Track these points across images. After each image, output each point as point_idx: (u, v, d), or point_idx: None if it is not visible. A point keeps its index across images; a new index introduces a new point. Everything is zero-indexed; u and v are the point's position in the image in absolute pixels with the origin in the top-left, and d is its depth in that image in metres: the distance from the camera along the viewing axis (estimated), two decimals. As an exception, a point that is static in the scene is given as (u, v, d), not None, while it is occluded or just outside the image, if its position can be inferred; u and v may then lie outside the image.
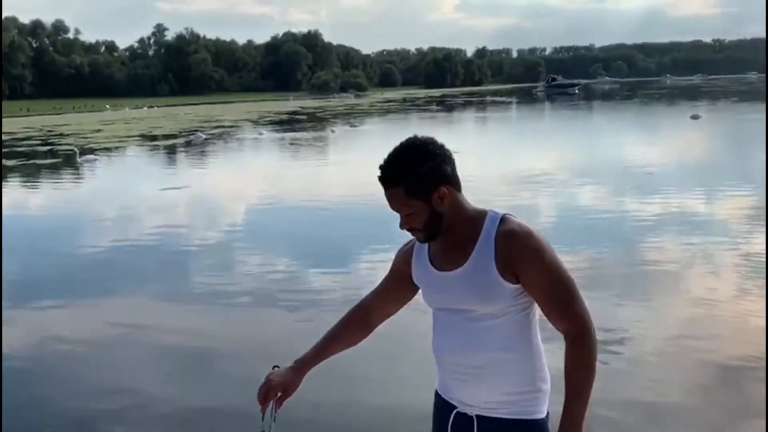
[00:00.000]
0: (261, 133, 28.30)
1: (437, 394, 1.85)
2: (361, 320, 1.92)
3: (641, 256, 6.89)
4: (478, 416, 1.72)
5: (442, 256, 1.73)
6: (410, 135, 1.70)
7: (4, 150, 25.12)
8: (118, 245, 8.78)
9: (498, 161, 16.22)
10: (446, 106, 52.25)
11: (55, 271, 7.69)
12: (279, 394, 1.79)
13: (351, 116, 41.26)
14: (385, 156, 1.68)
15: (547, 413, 1.74)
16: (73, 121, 48.11)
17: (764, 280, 5.59)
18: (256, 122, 38.20)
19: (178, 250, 8.50)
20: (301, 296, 6.03)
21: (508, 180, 12.56)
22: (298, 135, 28.33)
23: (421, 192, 1.63)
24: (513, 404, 1.70)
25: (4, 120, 52.49)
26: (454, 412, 1.77)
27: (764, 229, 7.37)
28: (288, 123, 37.59)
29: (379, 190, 1.70)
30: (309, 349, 1.88)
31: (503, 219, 1.68)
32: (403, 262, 1.84)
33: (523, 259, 1.63)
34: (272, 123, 37.73)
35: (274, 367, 1.84)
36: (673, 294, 5.69)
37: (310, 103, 66.79)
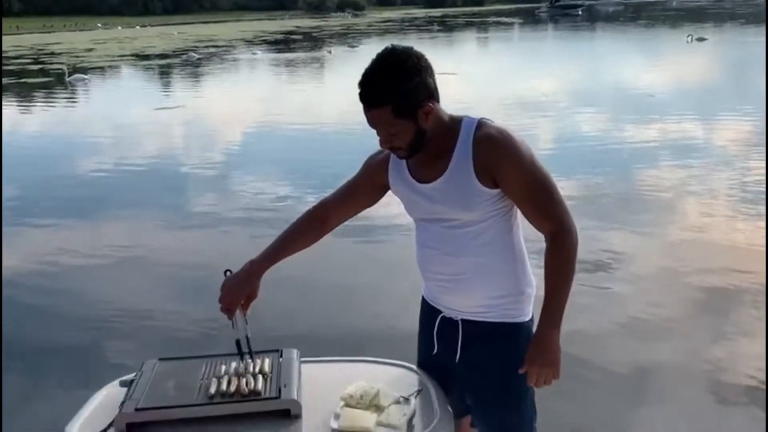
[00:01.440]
0: (255, 53, 27.60)
1: (424, 300, 1.88)
2: (320, 221, 1.87)
3: (638, 181, 6.85)
4: (463, 320, 1.75)
5: (422, 168, 1.70)
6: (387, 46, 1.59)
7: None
8: (109, 166, 8.73)
9: (498, 84, 15.89)
10: (447, 26, 50.80)
11: (49, 192, 7.65)
12: (242, 300, 1.78)
13: (348, 36, 40.19)
14: (365, 71, 1.58)
15: (532, 316, 1.75)
16: (64, 39, 46.87)
17: (764, 208, 5.58)
18: (250, 42, 37.25)
19: (171, 171, 8.47)
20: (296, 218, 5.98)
21: (508, 104, 12.35)
22: (293, 55, 27.66)
23: (408, 110, 1.56)
24: (496, 308, 1.71)
25: (-8, 38, 51.02)
26: (440, 316, 1.79)
27: (764, 155, 7.30)
28: (284, 43, 36.67)
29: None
30: (264, 250, 1.84)
31: (480, 124, 1.64)
32: (377, 170, 1.80)
33: (501, 163, 1.60)
34: (267, 43, 36.81)
35: (226, 271, 1.80)
36: (669, 219, 5.67)
37: (306, 22, 65.01)
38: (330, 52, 28.02)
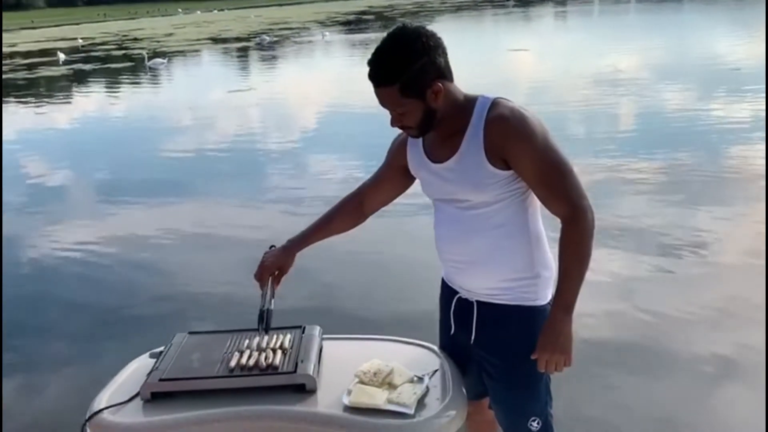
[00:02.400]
0: (324, 35, 27.79)
1: (443, 281, 1.89)
2: (355, 208, 1.93)
3: (724, 161, 6.47)
4: (478, 302, 1.74)
5: (436, 148, 1.69)
6: (415, 27, 1.57)
7: (81, 54, 25.92)
8: (184, 148, 9.06)
9: (573, 60, 15.31)
10: (523, 1, 49.47)
11: (130, 173, 8.04)
12: (276, 272, 1.85)
13: (420, 15, 39.84)
14: (375, 51, 1.58)
15: (550, 300, 1.72)
16: (146, 25, 48.82)
17: None
18: (322, 23, 37.55)
19: (244, 152, 8.64)
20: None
21: (587, 81, 11.87)
22: (362, 36, 27.67)
23: (416, 90, 1.56)
24: (511, 290, 1.70)
25: (83, 25, 53.75)
26: (456, 297, 1.80)
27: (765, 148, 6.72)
28: (355, 23, 36.78)
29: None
30: (301, 231, 1.91)
31: (493, 104, 1.61)
32: (398, 152, 1.82)
33: (513, 144, 1.57)
34: (339, 24, 37.01)
35: (271, 247, 1.90)
36: (755, 203, 5.33)
37: (378, 2, 64.69)
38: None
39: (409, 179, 1.85)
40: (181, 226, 5.78)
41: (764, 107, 8.42)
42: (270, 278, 1.84)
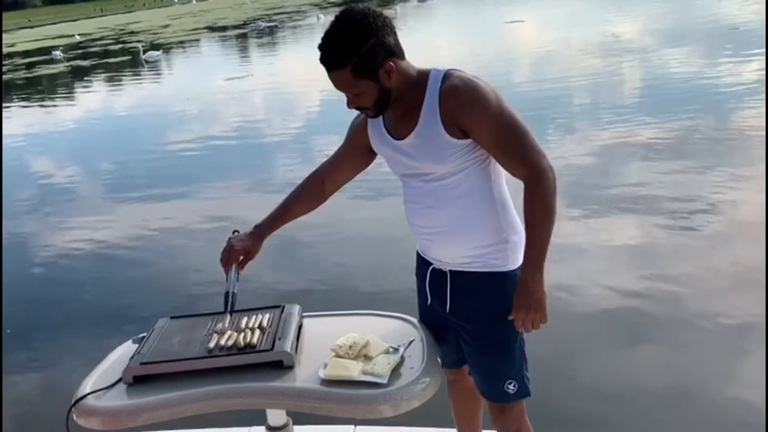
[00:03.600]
0: (319, 17, 27.65)
1: (417, 254, 1.91)
2: (316, 188, 1.95)
3: (727, 123, 6.43)
4: (451, 271, 1.77)
5: (395, 125, 1.71)
6: (355, 8, 1.57)
7: (79, 50, 25.92)
8: (182, 138, 9.10)
9: (575, 30, 15.13)
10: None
11: (127, 167, 8.10)
12: (241, 257, 1.88)
13: (417, -9, 39.47)
14: (324, 35, 1.59)
15: (521, 265, 1.71)
16: (143, 18, 48.68)
17: None
18: (318, 5, 37.31)
19: (246, 141, 8.67)
20: (374, 185, 6.01)
21: (586, 50, 11.76)
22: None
23: (368, 70, 1.57)
24: (481, 257, 1.72)
25: (80, 21, 53.64)
26: (430, 268, 1.83)
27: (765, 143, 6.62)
28: (350, 3, 36.44)
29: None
30: (266, 216, 1.94)
31: (446, 75, 1.62)
32: (358, 131, 1.84)
33: (468, 113, 1.58)
34: (334, 5, 36.69)
35: (234, 231, 1.92)
36: (760, 165, 5.28)
37: (375, -20, 64.24)
38: (395, 10, 27.63)
39: (369, 157, 1.87)
40: (185, 218, 5.84)
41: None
42: (234, 263, 1.87)
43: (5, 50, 33.09)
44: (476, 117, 1.57)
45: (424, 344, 1.79)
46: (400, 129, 1.69)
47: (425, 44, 14.84)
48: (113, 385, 1.73)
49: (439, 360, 1.75)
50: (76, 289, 4.73)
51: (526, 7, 22.13)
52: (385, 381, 1.62)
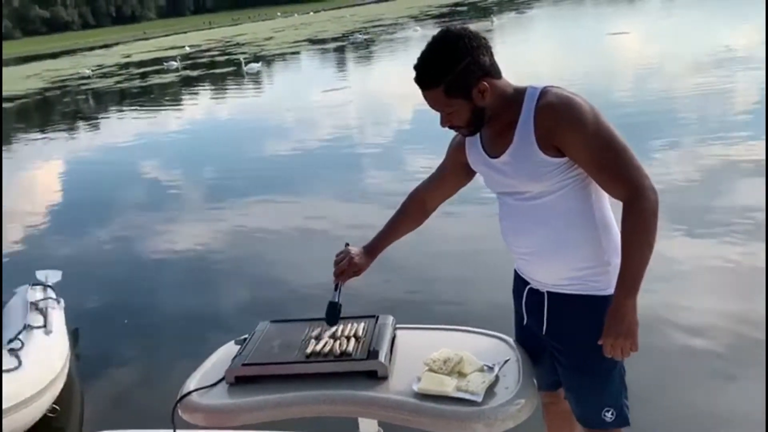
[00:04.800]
0: (416, 30, 27.86)
1: (515, 272, 1.90)
2: (418, 208, 1.99)
3: None
4: (548, 292, 1.74)
5: (491, 143, 1.71)
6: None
7: (189, 61, 27.38)
8: (283, 147, 9.40)
9: (684, 42, 14.38)
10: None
11: (228, 173, 8.47)
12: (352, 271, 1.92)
13: (516, 2, 39.05)
14: (419, 55, 1.61)
15: None
16: (248, 30, 50.89)
17: None
18: (415, 18, 37.64)
19: (341, 150, 8.83)
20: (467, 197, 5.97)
21: (698, 62, 11.14)
22: (457, 28, 27.42)
23: (461, 90, 1.58)
24: (580, 280, 1.68)
25: (190, 33, 56.77)
26: (527, 288, 1.80)
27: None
28: (448, 15, 36.59)
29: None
30: (376, 235, 2.00)
31: (542, 93, 1.60)
32: (457, 150, 1.86)
33: (562, 130, 1.55)
34: (432, 17, 36.95)
35: (346, 244, 1.97)
36: None
37: (473, -8, 64.12)
38: (493, 20, 27.42)
39: (469, 174, 1.88)
40: (282, 222, 6.03)
41: None
42: (348, 276, 1.92)
43: (123, 60, 35.51)
44: (571, 134, 1.54)
45: (519, 365, 1.76)
46: (495, 147, 1.68)
47: (521, 57, 14.64)
48: (216, 384, 1.81)
49: (535, 382, 1.72)
50: (176, 287, 4.99)
51: (631, 18, 21.39)
52: (479, 399, 1.61)
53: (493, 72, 1.61)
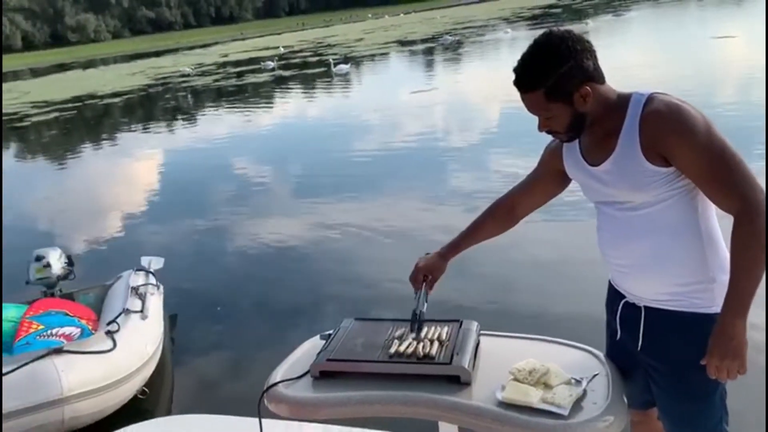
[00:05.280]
0: (506, 32, 27.47)
1: (609, 284, 1.83)
2: (507, 212, 1.94)
3: None
4: (646, 307, 1.67)
5: (591, 150, 1.65)
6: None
7: (282, 62, 28.17)
8: (370, 147, 9.52)
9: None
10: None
11: (316, 171, 8.65)
12: (429, 277, 1.92)
13: (612, 5, 37.77)
14: (521, 57, 1.58)
15: None
16: (340, 31, 51.79)
17: None
18: (507, 20, 37.13)
19: (427, 152, 8.84)
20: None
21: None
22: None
23: (562, 94, 1.53)
24: (683, 296, 1.60)
25: (284, 34, 58.43)
26: (623, 301, 1.74)
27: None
28: (541, 18, 35.85)
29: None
30: (455, 237, 1.97)
31: (649, 99, 1.53)
32: (552, 156, 1.80)
33: (669, 139, 1.47)
34: (524, 19, 36.33)
35: (426, 254, 1.98)
36: None
37: (568, -6, 62.55)
38: (588, 23, 26.63)
39: (562, 183, 1.82)
40: (365, 221, 6.11)
41: None
42: (424, 282, 1.92)
43: (220, 59, 36.98)
44: (679, 143, 1.46)
45: (609, 380, 1.69)
46: (596, 154, 1.62)
47: (616, 63, 14.15)
48: (301, 376, 1.85)
49: (625, 400, 1.65)
50: (262, 280, 5.15)
51: (738, 21, 20.24)
52: (565, 413, 1.56)
53: (597, 77, 1.55)
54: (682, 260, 1.57)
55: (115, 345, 3.27)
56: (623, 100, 1.56)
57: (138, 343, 3.46)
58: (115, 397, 3.22)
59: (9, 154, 14.65)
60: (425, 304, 1.90)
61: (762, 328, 3.22)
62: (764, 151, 5.55)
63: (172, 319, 4.45)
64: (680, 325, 1.61)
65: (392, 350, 1.83)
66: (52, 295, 4.15)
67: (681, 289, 1.59)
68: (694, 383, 1.59)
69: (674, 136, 1.47)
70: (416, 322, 1.87)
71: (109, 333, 3.35)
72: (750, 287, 1.46)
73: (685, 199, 1.55)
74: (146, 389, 3.44)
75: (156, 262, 4.53)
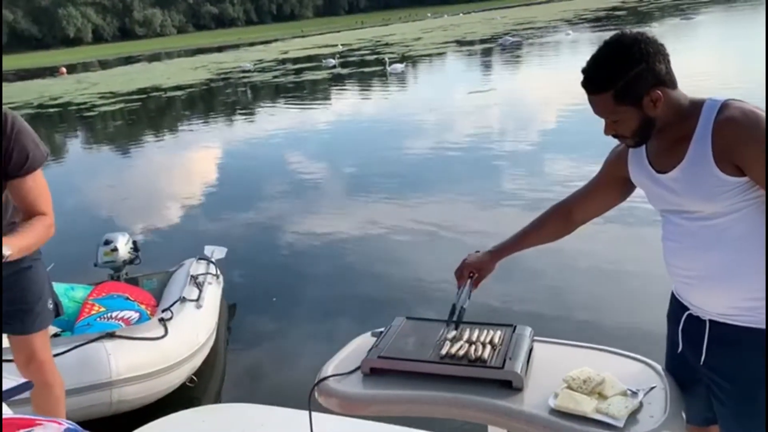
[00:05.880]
0: (567, 33, 26.95)
1: (672, 295, 1.78)
2: (564, 216, 1.89)
3: None
4: (711, 321, 1.62)
5: (660, 156, 1.59)
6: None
7: (341, 59, 28.41)
8: (424, 146, 9.51)
9: None
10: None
11: (368, 169, 8.70)
12: (475, 274, 1.90)
13: (680, 7, 36.58)
14: (590, 58, 1.54)
15: None
16: (398, 30, 51.80)
17: None
18: (569, 21, 36.43)
19: (481, 153, 8.76)
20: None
21: None
22: (611, 34, 26.21)
23: (631, 97, 1.49)
24: (751, 311, 1.53)
25: (343, 32, 58.95)
26: (686, 314, 1.68)
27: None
28: (604, 20, 35.01)
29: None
30: (508, 238, 1.94)
31: (723, 106, 1.47)
32: (616, 162, 1.75)
33: (743, 148, 1.42)
34: (587, 21, 35.56)
35: (476, 251, 1.96)
36: None
37: (633, -4, 60.93)
38: (651, 26, 25.85)
39: (625, 191, 1.77)
40: (417, 221, 6.11)
41: None
42: (469, 279, 1.90)
43: (280, 56, 37.54)
44: (755, 153, 1.41)
45: (667, 393, 1.64)
46: (664, 161, 1.57)
47: (683, 69, 13.71)
48: (351, 372, 1.86)
49: (683, 415, 1.60)
50: (315, 274, 5.20)
51: (815, 29, 19.31)
52: (620, 425, 1.52)
53: (668, 81, 1.51)
54: (751, 274, 1.51)
55: (166, 332, 3.33)
56: (696, 106, 1.52)
57: (189, 331, 3.52)
58: (163, 384, 3.29)
59: (77, 143, 15.26)
60: (467, 301, 1.88)
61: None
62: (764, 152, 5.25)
63: (230, 309, 4.55)
64: (749, 341, 1.54)
65: (443, 351, 1.82)
66: (118, 278, 4.30)
67: (749, 303, 1.53)
68: (759, 401, 1.52)
69: (749, 144, 1.42)
70: (454, 319, 1.86)
71: (162, 320, 3.42)
72: None
73: (757, 210, 1.49)
74: (195, 377, 3.51)
75: (219, 252, 4.63)
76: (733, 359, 1.57)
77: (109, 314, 3.56)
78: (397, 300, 4.46)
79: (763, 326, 1.53)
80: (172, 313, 3.52)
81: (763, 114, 1.44)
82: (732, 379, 1.58)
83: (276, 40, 60.40)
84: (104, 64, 52.21)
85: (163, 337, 3.30)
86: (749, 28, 21.86)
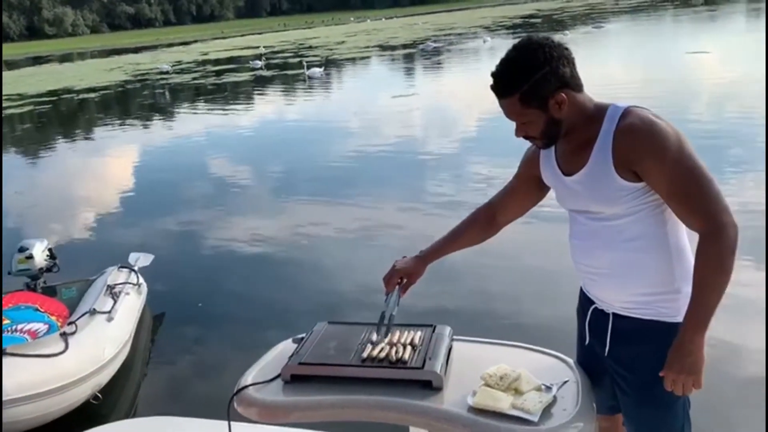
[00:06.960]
0: (485, 40, 27.67)
1: (580, 290, 1.85)
2: (488, 220, 1.94)
3: None
4: (614, 314, 1.69)
5: (566, 159, 1.67)
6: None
7: (262, 61, 28.01)
8: (348, 150, 9.50)
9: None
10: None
11: (293, 173, 8.61)
12: (404, 280, 1.91)
13: (592, 17, 38.24)
14: (498, 62, 1.59)
15: None
16: (322, 34, 51.63)
17: None
18: (488, 28, 37.39)
19: (404, 156, 8.85)
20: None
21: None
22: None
23: (537, 100, 1.55)
24: (649, 305, 1.62)
25: (266, 34, 58.18)
26: (592, 308, 1.76)
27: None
28: (520, 27, 36.15)
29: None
30: (434, 242, 1.97)
31: (625, 113, 1.54)
32: (530, 162, 1.82)
33: (641, 155, 1.49)
34: (504, 28, 36.61)
35: (403, 257, 1.97)
36: None
37: (547, 5, 63.14)
38: (566, 34, 26.90)
39: (542, 190, 1.83)
40: (341, 224, 6.10)
41: None
42: (397, 285, 1.91)
43: (201, 58, 36.65)
44: (652, 161, 1.48)
45: (579, 387, 1.71)
46: (570, 164, 1.64)
47: (592, 74, 14.32)
48: (272, 380, 1.83)
49: (594, 406, 1.67)
50: (234, 281, 5.10)
51: (712, 37, 20.62)
52: (535, 419, 1.57)
53: (573, 84, 1.57)
54: (648, 270, 1.60)
55: (66, 348, 3.12)
56: (600, 111, 1.58)
57: (94, 346, 3.31)
58: (61, 402, 3.07)
59: (-20, 147, 14.37)
60: (396, 308, 1.89)
61: (720, 342, 3.29)
62: (764, 156, 5.63)
63: (155, 319, 4.38)
64: (645, 332, 1.63)
65: (365, 354, 1.83)
66: (35, 287, 4.06)
67: (648, 298, 1.62)
68: (659, 391, 1.61)
69: (646, 153, 1.49)
70: (384, 326, 1.87)
71: (64, 335, 3.21)
72: (710, 306, 1.49)
73: (655, 212, 1.57)
74: (99, 395, 3.29)
75: (144, 259, 4.44)
76: (633, 350, 1.66)
77: (14, 327, 3.35)
78: (323, 305, 4.43)
79: (658, 318, 1.62)
80: (76, 326, 3.31)
81: (661, 122, 1.52)
82: (633, 370, 1.66)
83: (196, 42, 58.96)
84: (11, 65, 49.41)
85: (62, 352, 3.08)
86: (652, 37, 23.11)
